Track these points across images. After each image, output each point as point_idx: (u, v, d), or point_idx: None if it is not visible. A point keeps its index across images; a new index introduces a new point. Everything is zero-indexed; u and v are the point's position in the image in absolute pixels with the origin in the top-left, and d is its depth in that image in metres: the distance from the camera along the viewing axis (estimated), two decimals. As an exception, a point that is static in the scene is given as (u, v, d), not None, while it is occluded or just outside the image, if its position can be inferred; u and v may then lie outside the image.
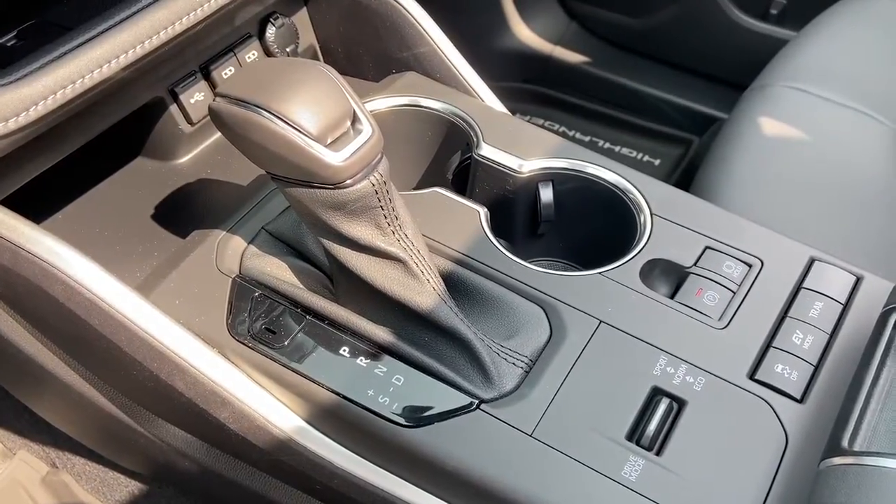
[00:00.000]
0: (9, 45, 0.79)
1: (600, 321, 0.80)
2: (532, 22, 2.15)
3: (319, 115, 0.67)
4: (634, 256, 0.86)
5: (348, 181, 0.69)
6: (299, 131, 0.66)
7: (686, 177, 1.82)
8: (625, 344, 0.78)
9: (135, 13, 0.80)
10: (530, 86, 2.13)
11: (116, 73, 0.79)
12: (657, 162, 1.98)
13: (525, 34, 2.15)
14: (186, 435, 0.94)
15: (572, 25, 2.16)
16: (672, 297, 0.83)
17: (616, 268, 0.85)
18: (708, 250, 0.87)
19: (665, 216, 0.90)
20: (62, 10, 0.82)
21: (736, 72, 1.81)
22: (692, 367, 0.77)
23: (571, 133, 2.06)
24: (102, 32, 0.78)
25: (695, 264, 0.85)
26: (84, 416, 1.12)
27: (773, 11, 1.89)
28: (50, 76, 0.74)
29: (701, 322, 0.81)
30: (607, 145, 2.02)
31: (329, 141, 0.68)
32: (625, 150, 2.01)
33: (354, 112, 0.70)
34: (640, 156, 2.00)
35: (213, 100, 0.70)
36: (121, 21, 0.79)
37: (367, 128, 0.70)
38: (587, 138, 2.04)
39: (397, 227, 0.74)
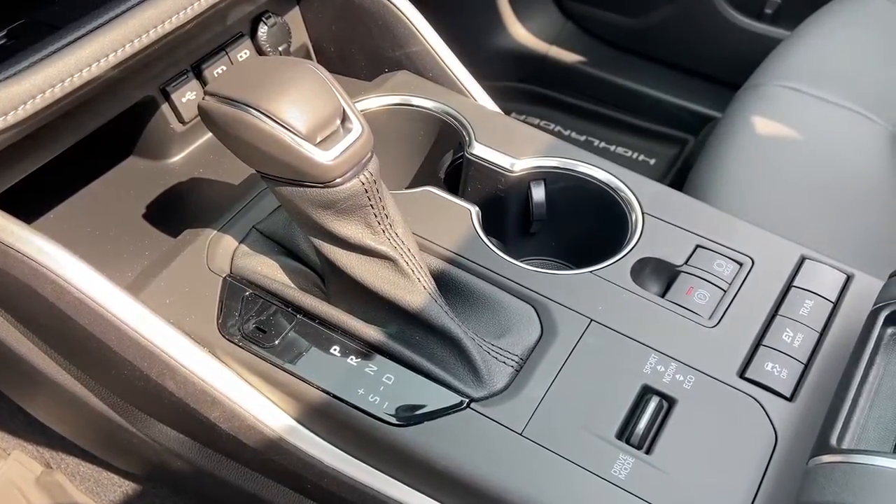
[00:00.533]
0: (-2, 44, 0.79)
1: (591, 320, 0.80)
2: (528, 22, 2.15)
3: (309, 114, 0.67)
4: (625, 255, 0.86)
5: (338, 180, 0.68)
6: (288, 130, 0.66)
7: (681, 176, 1.82)
8: (615, 342, 0.78)
9: (123, 12, 0.80)
10: (526, 85, 2.13)
11: (105, 72, 0.79)
12: (653, 161, 1.99)
13: (521, 34, 2.15)
14: (179, 435, 0.94)
15: (568, 25, 2.16)
16: (663, 295, 0.83)
17: (607, 266, 0.85)
18: (699, 249, 0.87)
19: (656, 215, 0.89)
20: (52, 10, 0.82)
21: (731, 71, 1.81)
22: (682, 366, 0.77)
23: (567, 132, 2.06)
24: (91, 31, 0.78)
25: (686, 263, 0.85)
26: (77, 417, 1.12)
27: (768, 11, 1.89)
28: (39, 75, 0.74)
29: (691, 321, 0.81)
30: (603, 145, 2.02)
31: (318, 140, 0.68)
32: (620, 150, 2.01)
33: (344, 111, 0.70)
34: (635, 155, 2.00)
35: (203, 98, 0.70)
36: (109, 20, 0.79)
37: (356, 126, 0.70)
38: (583, 138, 2.04)
39: (387, 226, 0.74)
